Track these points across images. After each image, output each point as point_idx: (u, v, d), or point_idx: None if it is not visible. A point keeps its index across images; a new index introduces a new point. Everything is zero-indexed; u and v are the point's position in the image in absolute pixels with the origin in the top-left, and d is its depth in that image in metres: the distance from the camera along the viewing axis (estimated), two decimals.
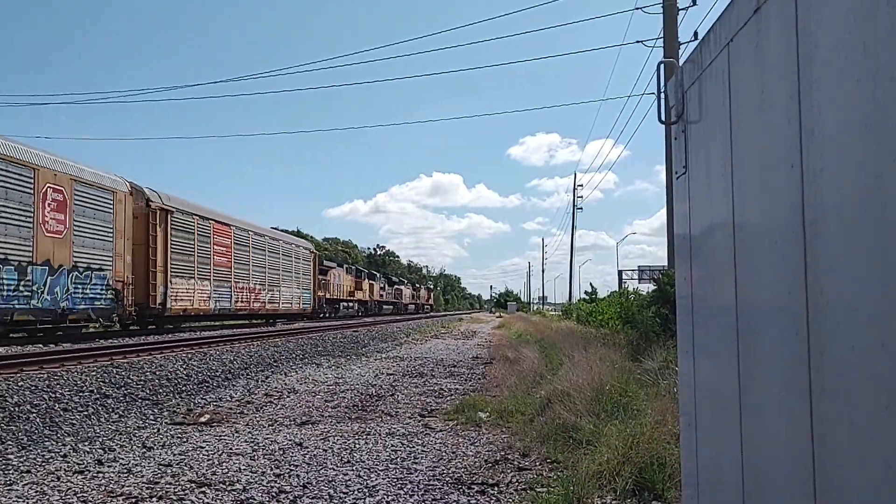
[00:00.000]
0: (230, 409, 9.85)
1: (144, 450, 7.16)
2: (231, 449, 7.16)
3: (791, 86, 1.88)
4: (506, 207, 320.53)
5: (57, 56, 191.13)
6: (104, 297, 19.73)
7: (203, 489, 5.64)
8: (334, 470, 6.31)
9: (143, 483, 5.84)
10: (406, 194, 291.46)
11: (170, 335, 21.52)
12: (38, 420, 7.98)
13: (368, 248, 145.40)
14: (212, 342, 17.67)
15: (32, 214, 16.98)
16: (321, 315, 45.39)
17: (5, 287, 15.82)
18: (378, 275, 71.19)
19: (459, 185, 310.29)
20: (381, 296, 67.24)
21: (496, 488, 5.74)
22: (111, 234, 20.30)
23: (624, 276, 50.49)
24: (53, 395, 8.93)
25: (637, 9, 20.27)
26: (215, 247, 27.88)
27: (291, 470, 6.29)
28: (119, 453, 6.98)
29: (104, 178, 20.49)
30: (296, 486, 5.74)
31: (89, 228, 19.23)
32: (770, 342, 2.08)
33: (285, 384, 12.51)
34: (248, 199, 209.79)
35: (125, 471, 6.25)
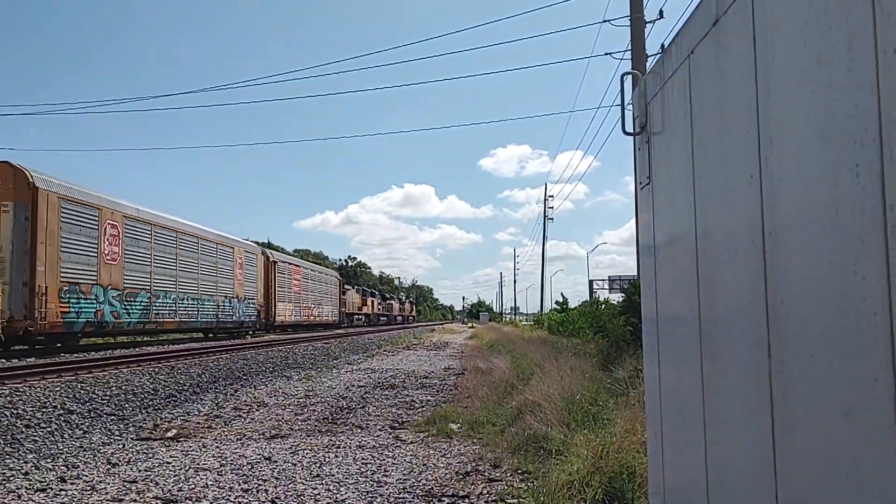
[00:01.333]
0: (198, 423, 9.71)
1: (109, 466, 7.02)
2: (198, 464, 7.05)
3: (749, 96, 1.90)
4: (478, 218, 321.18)
5: (20, 68, 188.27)
6: (254, 314, 37.20)
7: None
8: (303, 484, 6.24)
9: (107, 500, 5.73)
10: (378, 205, 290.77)
11: (146, 347, 21.25)
12: None
13: (340, 260, 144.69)
14: (180, 356, 17.43)
15: (232, 273, 34.09)
16: (343, 325, 59.48)
17: (225, 310, 32.50)
18: (376, 293, 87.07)
19: (431, 195, 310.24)
20: (379, 309, 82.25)
21: (466, 500, 5.71)
22: (255, 277, 37.67)
23: (595, 286, 50.78)
24: (15, 412, 8.74)
25: (605, 21, 20.51)
26: (293, 282, 45.83)
27: (259, 485, 6.21)
28: (83, 470, 6.84)
29: (254, 248, 39.23)
30: (264, 502, 5.67)
31: (250, 277, 36.86)
32: (732, 351, 2.10)
33: (255, 398, 12.37)
34: (218, 209, 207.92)
35: (88, 488, 6.12)
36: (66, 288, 19.16)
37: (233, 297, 33.80)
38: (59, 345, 19.57)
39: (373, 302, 77.78)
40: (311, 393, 13.11)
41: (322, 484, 6.24)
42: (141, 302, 23.26)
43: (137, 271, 23.23)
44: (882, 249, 1.33)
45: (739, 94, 1.98)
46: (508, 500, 5.59)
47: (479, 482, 6.26)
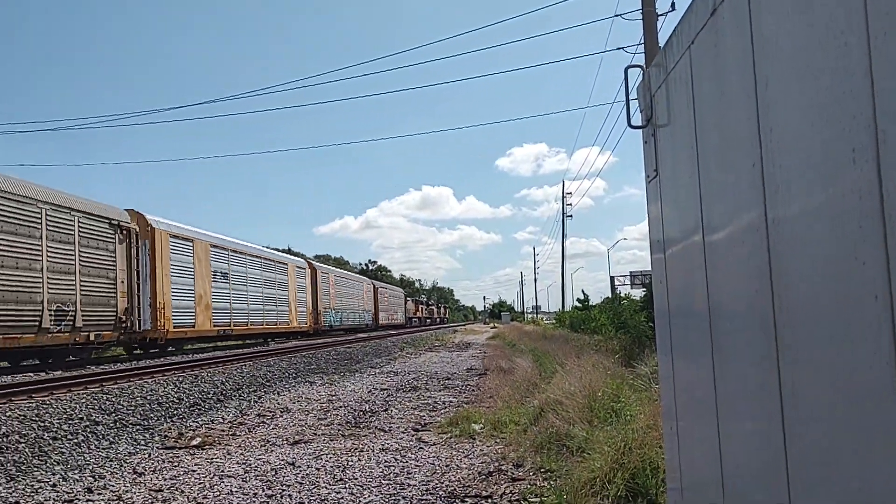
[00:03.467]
0: (222, 431, 9.79)
1: (135, 475, 7.10)
2: (223, 471, 7.11)
3: (748, 85, 1.89)
4: (497, 218, 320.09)
5: (35, 84, 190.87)
6: (369, 318, 56.84)
7: None
8: (327, 488, 6.27)
9: None
10: (396, 209, 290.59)
11: (160, 357, 21.51)
12: (26, 450, 7.91)
13: (361, 264, 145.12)
14: (204, 364, 17.57)
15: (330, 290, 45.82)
16: (407, 325, 77.52)
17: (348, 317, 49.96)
18: (422, 300, 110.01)
19: (449, 197, 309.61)
20: (425, 313, 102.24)
21: (489, 500, 5.72)
22: (361, 291, 55.63)
23: (616, 282, 50.55)
24: (42, 424, 8.86)
25: (617, 16, 20.44)
26: (384, 298, 64.22)
27: (284, 490, 6.25)
28: (109, 480, 6.92)
29: (362, 278, 61.87)
30: None
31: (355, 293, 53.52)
32: (740, 341, 2.09)
33: (278, 404, 12.45)
34: (238, 219, 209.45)
35: (115, 498, 6.20)
36: (174, 303, 24.13)
37: (329, 309, 46.24)
38: (171, 348, 24.99)
39: (421, 307, 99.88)
40: (333, 397, 13.16)
41: (345, 488, 6.27)
42: (224, 312, 28.90)
43: (221, 288, 28.86)
44: (880, 234, 1.32)
45: (738, 84, 1.97)
46: (531, 500, 5.58)
47: (502, 482, 6.26)
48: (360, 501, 5.79)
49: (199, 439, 9.01)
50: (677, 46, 2.58)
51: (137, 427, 9.80)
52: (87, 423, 9.39)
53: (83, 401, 10.45)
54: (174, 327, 23.95)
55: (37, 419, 8.99)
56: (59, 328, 17.71)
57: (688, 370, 2.77)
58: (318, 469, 7.08)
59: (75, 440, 8.64)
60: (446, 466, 7.01)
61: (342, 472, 6.93)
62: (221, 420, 10.74)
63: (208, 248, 27.72)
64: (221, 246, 29.35)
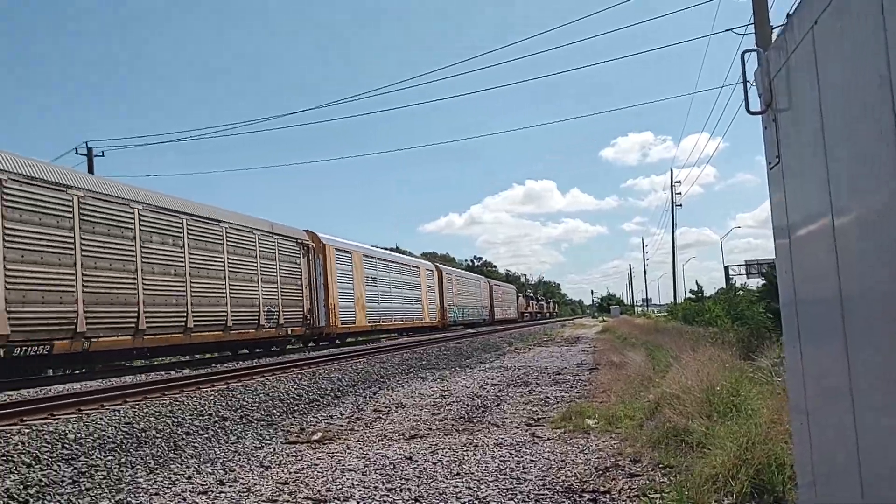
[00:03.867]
0: (341, 426, 10.10)
1: (262, 469, 7.43)
2: (343, 465, 7.34)
3: (880, 67, 1.81)
4: (602, 210, 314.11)
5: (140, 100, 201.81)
6: (486, 313, 62.52)
7: None
8: (444, 482, 6.38)
9: (263, 501, 6.06)
10: (499, 204, 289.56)
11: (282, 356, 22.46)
12: (163, 444, 8.42)
13: (466, 261, 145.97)
14: (320, 361, 18.16)
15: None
16: (519, 320, 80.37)
17: (469, 313, 56.67)
18: (532, 296, 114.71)
19: (553, 190, 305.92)
20: (535, 308, 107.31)
21: (608, 496, 5.67)
22: (478, 289, 61.30)
23: (731, 272, 48.86)
24: (175, 420, 9.39)
25: None
26: (498, 295, 70.60)
27: (402, 484, 6.40)
28: (239, 473, 7.27)
29: (479, 276, 69.49)
30: (408, 500, 5.84)
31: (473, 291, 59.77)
32: (877, 328, 2.00)
33: (392, 399, 12.72)
34: (345, 220, 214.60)
35: (245, 490, 6.50)
36: (340, 304, 30.39)
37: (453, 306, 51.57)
38: (337, 341, 30.94)
39: (531, 303, 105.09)
40: (446, 392, 13.33)
41: (462, 482, 6.36)
42: (375, 310, 34.92)
43: (372, 291, 34.83)
44: None
45: (869, 66, 1.89)
46: (651, 496, 5.50)
47: (620, 477, 6.19)
48: (477, 495, 5.86)
49: (319, 434, 9.33)
50: (798, 28, 2.49)
51: (262, 423, 10.25)
52: (216, 419, 9.90)
53: (211, 398, 11.01)
54: (341, 324, 30.15)
55: (170, 415, 9.54)
56: (269, 325, 23.56)
57: (818, 361, 2.67)
58: (434, 463, 7.21)
59: (206, 435, 9.12)
60: (562, 461, 6.99)
61: (458, 466, 7.02)
62: (339, 416, 11.08)
63: (362, 257, 34.13)
64: (371, 255, 36.20)
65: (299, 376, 14.36)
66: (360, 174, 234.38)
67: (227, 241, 21.52)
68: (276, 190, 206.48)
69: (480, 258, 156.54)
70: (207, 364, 19.89)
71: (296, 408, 11.55)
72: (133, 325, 16.85)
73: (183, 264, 19.16)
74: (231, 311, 21.22)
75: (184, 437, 8.88)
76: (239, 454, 8.32)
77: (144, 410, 9.61)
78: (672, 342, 18.64)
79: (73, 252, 15.12)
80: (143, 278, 17.13)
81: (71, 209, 15.15)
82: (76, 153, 34.29)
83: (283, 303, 24.65)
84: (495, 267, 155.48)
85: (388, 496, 6.00)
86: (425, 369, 18.47)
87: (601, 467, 6.61)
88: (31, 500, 6.14)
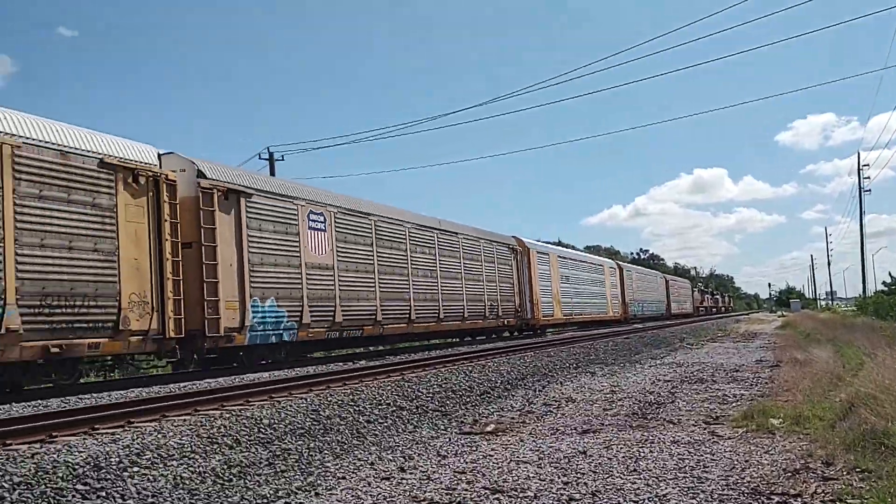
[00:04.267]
0: (512, 419, 10.21)
1: (439, 458, 7.66)
2: (517, 457, 7.43)
3: None
4: (779, 198, 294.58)
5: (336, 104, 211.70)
6: (663, 308, 62.74)
7: (497, 496, 5.92)
8: (621, 478, 6.30)
9: (442, 489, 6.25)
10: (666, 195, 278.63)
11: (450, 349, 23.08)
12: (346, 431, 8.88)
13: (631, 254, 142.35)
14: (488, 355, 18.42)
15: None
16: (694, 315, 78.64)
17: (648, 308, 58.46)
18: (706, 290, 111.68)
19: (724, 178, 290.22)
20: (709, 302, 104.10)
21: (799, 499, 5.38)
22: (656, 285, 63.19)
23: None
24: (356, 409, 9.88)
25: None
26: (675, 290, 71.93)
27: (578, 478, 6.39)
28: (417, 461, 7.54)
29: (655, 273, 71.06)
30: (585, 494, 5.82)
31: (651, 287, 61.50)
32: None
33: (562, 393, 12.69)
34: (506, 215, 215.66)
35: (425, 478, 6.74)
36: (542, 300, 34.74)
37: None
38: (538, 331, 34.66)
39: (706, 297, 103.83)
40: (616, 388, 13.12)
41: (640, 478, 6.26)
42: (568, 304, 38.83)
43: (565, 287, 38.81)
44: None
45: None
46: (849, 501, 5.16)
47: (811, 480, 5.86)
48: (657, 493, 5.75)
49: (492, 426, 9.49)
50: None
51: (436, 413, 10.56)
52: (394, 408, 10.31)
53: (388, 388, 11.48)
54: (542, 316, 34.58)
55: (352, 404, 10.04)
56: (490, 317, 29.27)
57: None
58: (609, 459, 7.13)
59: (385, 424, 9.53)
60: (745, 462, 6.70)
61: (634, 462, 6.91)
62: (510, 408, 11.20)
63: (557, 258, 38.72)
64: (564, 256, 41.18)
65: (469, 369, 14.64)
66: (517, 169, 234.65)
67: (462, 249, 27.58)
68: (439, 187, 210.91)
69: (647, 250, 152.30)
70: (425, 349, 24.35)
71: (468, 399, 11.80)
72: (406, 316, 22.76)
73: (434, 268, 25.14)
74: (466, 306, 27.12)
75: (365, 425, 9.32)
76: (416, 443, 8.63)
77: (328, 399, 10.17)
78: (864, 339, 17.32)
79: (372, 262, 21.18)
80: (412, 282, 23.35)
81: (370, 230, 21.40)
82: (259, 158, 36.89)
83: (501, 299, 30.38)
84: (662, 260, 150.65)
85: (564, 489, 6.01)
86: (593, 364, 18.25)
87: (789, 469, 6.28)
88: (234, 478, 6.69)
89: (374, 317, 20.73)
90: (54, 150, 12.06)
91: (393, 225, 22.75)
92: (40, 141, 11.88)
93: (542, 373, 15.67)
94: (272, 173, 35.06)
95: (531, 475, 6.60)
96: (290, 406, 9.46)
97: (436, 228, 25.74)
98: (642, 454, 7.27)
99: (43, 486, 5.74)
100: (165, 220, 13.95)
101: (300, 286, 17.72)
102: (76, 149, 12.47)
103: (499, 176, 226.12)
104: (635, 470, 6.60)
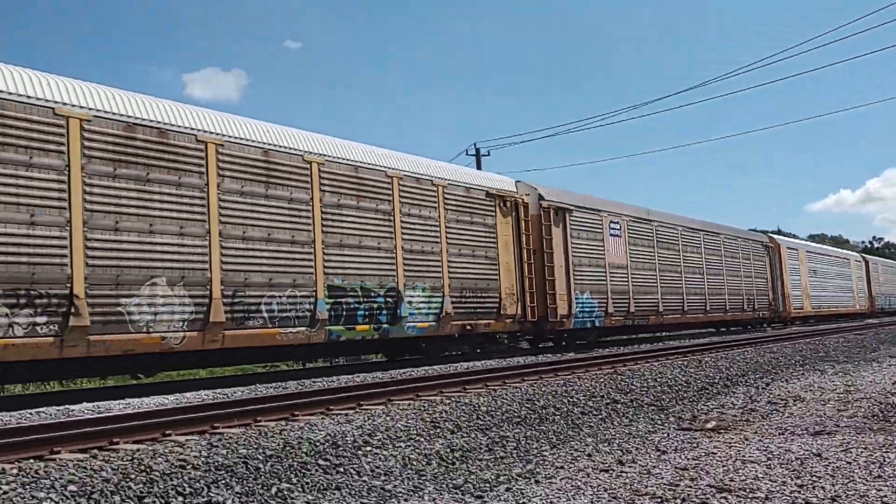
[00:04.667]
0: (734, 416, 9.76)
1: (658, 453, 7.50)
2: (743, 456, 7.10)
3: None
4: None
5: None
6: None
7: (724, 494, 5.70)
8: (864, 484, 5.83)
9: (664, 484, 6.12)
10: None
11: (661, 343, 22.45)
12: (561, 422, 8.95)
13: (863, 242, 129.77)
14: (705, 349, 17.72)
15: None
16: None
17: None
18: None
19: None
20: None
21: None
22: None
23: None
24: (570, 400, 9.91)
25: None
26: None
27: (814, 482, 5.99)
28: (635, 455, 7.43)
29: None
30: (823, 499, 5.45)
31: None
32: None
33: (788, 391, 11.91)
34: (715, 202, 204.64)
35: (644, 472, 6.63)
36: (792, 294, 37.29)
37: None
38: (790, 323, 37.00)
39: None
40: (851, 388, 12.09)
41: (887, 485, 5.75)
42: (816, 298, 40.92)
43: (813, 281, 40.64)
44: None
45: None
46: None
47: None
48: None
49: (713, 423, 9.13)
50: None
51: (652, 407, 10.34)
52: (608, 401, 10.23)
53: (601, 380, 11.41)
54: (793, 309, 37.05)
55: (566, 395, 10.10)
56: (748, 309, 32.10)
57: None
58: (849, 463, 6.62)
59: (599, 416, 9.48)
60: None
61: (879, 468, 6.37)
62: (731, 405, 10.70)
63: (805, 253, 40.76)
64: (811, 251, 42.90)
65: (685, 363, 14.20)
66: (728, 155, 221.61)
67: (723, 247, 30.76)
68: (647, 176, 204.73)
69: (881, 239, 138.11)
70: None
71: (684, 395, 11.43)
72: (680, 307, 26.43)
73: (700, 265, 28.58)
74: (728, 300, 30.31)
75: (579, 416, 9.33)
76: (633, 437, 8.50)
77: (542, 389, 10.30)
78: None
79: (654, 261, 25.05)
80: (685, 277, 27.02)
81: (652, 234, 25.21)
82: (466, 154, 37.96)
83: (756, 293, 33.39)
84: None
85: (798, 492, 5.67)
86: (823, 361, 16.93)
87: None
88: (457, 462, 6.99)
89: (656, 308, 24.70)
90: (462, 186, 17.70)
91: (668, 228, 26.43)
92: (453, 182, 17.53)
93: (764, 369, 14.82)
94: (478, 167, 35.89)
95: (760, 475, 6.28)
96: (506, 395, 9.70)
97: (701, 230, 29.13)
98: (888, 460, 6.67)
99: (290, 460, 6.34)
100: (523, 234, 19.03)
101: (605, 282, 21.89)
102: (474, 185, 18.14)
103: (705, 160, 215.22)
104: (880, 476, 6.08)
